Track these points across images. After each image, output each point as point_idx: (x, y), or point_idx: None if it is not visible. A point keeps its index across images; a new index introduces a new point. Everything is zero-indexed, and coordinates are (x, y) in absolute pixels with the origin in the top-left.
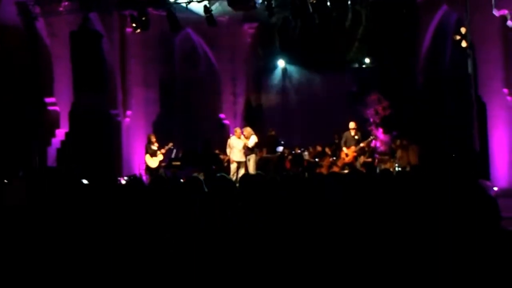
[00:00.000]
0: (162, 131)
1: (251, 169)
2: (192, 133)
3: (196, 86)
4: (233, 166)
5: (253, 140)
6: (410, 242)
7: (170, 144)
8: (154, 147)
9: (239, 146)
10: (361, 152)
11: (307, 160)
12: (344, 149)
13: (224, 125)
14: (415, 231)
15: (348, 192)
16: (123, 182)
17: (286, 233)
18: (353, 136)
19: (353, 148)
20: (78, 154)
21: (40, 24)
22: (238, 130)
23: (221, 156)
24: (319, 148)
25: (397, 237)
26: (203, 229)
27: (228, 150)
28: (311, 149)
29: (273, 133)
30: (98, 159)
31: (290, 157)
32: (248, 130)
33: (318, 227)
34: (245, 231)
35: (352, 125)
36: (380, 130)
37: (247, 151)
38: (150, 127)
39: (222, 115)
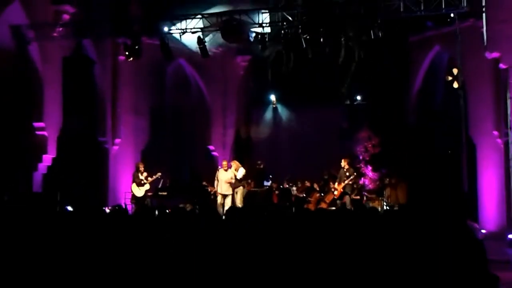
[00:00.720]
0: (151, 159)
1: (238, 201)
2: (180, 163)
3: (187, 116)
4: (219, 199)
5: (241, 172)
6: (395, 281)
7: (158, 174)
8: (142, 176)
9: (226, 178)
10: (349, 188)
11: (295, 195)
12: (336, 185)
13: (212, 157)
14: (401, 270)
15: (335, 229)
16: (108, 211)
17: (272, 268)
18: (345, 173)
19: (342, 184)
20: (64, 180)
21: (33, 48)
22: (225, 162)
23: (209, 188)
24: (307, 184)
25: (382, 275)
26: (185, 258)
27: (215, 183)
28: (299, 184)
29: (261, 166)
30: (83, 186)
31: (277, 191)
32: (236, 163)
33: (304, 263)
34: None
35: (343, 162)
36: (369, 167)
37: (235, 183)
38: (139, 155)
39: (211, 147)
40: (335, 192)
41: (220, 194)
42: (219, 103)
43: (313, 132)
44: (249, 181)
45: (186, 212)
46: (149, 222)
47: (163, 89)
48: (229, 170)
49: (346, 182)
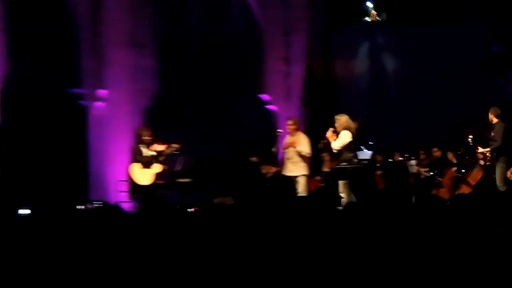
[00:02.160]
0: (162, 124)
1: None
2: (214, 128)
3: (223, 51)
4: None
5: (344, 137)
6: None
7: (176, 146)
8: (149, 151)
9: (298, 150)
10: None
11: (415, 174)
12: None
13: (269, 113)
14: None
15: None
16: (87, 211)
17: None
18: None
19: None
20: (14, 163)
21: None
22: (291, 122)
23: (263, 169)
24: (436, 153)
25: None
26: None
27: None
28: (422, 155)
29: (356, 125)
30: (46, 174)
31: (383, 168)
32: (342, 120)
33: None
34: None
35: (491, 115)
36: None
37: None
38: (141, 117)
39: (266, 96)
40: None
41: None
42: (278, 24)
43: (440, 65)
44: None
45: (226, 211)
46: (164, 229)
47: (184, 9)
48: (298, 136)
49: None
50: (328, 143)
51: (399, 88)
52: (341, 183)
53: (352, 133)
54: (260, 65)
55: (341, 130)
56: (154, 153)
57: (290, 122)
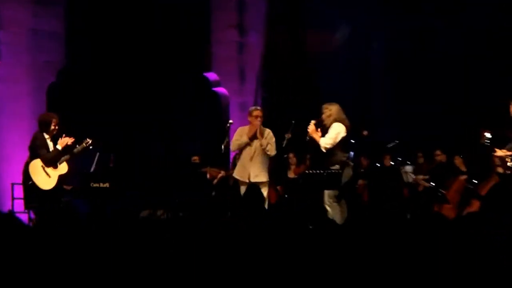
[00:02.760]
0: (72, 109)
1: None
2: (141, 116)
3: (157, 14)
4: (242, 191)
5: (337, 131)
6: None
7: (87, 141)
8: (57, 146)
9: (266, 147)
10: None
11: (411, 184)
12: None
13: (216, 98)
14: None
15: None
16: None
17: None
18: None
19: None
20: None
21: None
22: (256, 111)
23: (208, 172)
24: (439, 157)
25: None
26: None
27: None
28: (420, 159)
29: (329, 116)
30: None
31: (368, 174)
32: (333, 109)
33: None
34: None
35: None
36: None
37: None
38: (44, 98)
39: (212, 75)
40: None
41: (242, 182)
42: None
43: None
44: (290, 155)
45: (156, 226)
46: (67, 247)
47: None
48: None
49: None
50: (312, 141)
51: (390, 68)
52: (326, 192)
53: (346, 126)
54: (205, 35)
55: (331, 123)
56: (61, 149)
57: (256, 112)
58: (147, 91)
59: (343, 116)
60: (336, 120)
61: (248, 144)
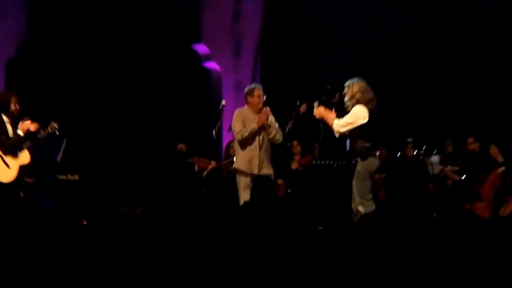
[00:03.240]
0: (35, 87)
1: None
2: (117, 96)
3: None
4: (243, 185)
5: (358, 114)
6: None
7: (53, 125)
8: (18, 131)
9: (275, 135)
10: None
11: (438, 177)
12: None
13: (207, 75)
14: None
15: None
16: None
17: None
18: None
19: None
20: None
21: None
22: (257, 90)
23: (197, 163)
24: (472, 146)
25: None
26: None
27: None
28: (449, 147)
29: (335, 97)
30: None
31: (381, 172)
32: (356, 88)
33: None
34: None
35: None
36: None
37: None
38: (1, 74)
39: (202, 48)
40: None
41: (247, 174)
42: None
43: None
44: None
45: (135, 225)
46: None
47: None
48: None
49: None
50: (326, 127)
51: (413, 42)
52: (356, 190)
53: (371, 109)
54: (193, 0)
55: (353, 106)
56: (22, 134)
57: (257, 91)
58: (128, 68)
59: (370, 95)
60: (359, 102)
61: (256, 132)
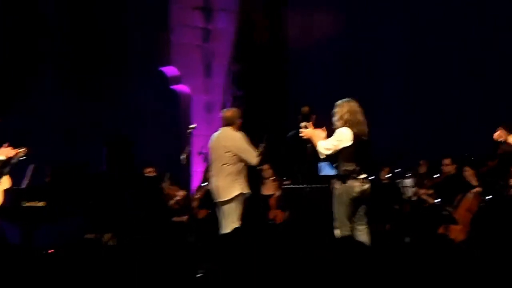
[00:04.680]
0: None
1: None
2: (83, 118)
3: None
4: (240, 211)
5: (342, 136)
6: None
7: (21, 150)
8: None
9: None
10: None
11: (412, 200)
12: None
13: (176, 97)
14: None
15: None
16: None
17: None
18: None
19: None
20: None
21: None
22: (230, 113)
23: (166, 190)
24: (448, 168)
25: None
26: None
27: (255, 158)
28: (422, 168)
29: (307, 112)
30: None
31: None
32: (345, 108)
33: None
34: None
35: None
36: None
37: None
38: None
39: (170, 70)
40: None
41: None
42: None
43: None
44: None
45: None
46: None
47: None
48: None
49: None
50: (312, 148)
51: (390, 61)
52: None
53: (357, 133)
54: (162, 19)
55: (340, 126)
56: (3, 158)
57: (228, 113)
58: (93, 88)
59: (359, 118)
60: (346, 123)
61: None
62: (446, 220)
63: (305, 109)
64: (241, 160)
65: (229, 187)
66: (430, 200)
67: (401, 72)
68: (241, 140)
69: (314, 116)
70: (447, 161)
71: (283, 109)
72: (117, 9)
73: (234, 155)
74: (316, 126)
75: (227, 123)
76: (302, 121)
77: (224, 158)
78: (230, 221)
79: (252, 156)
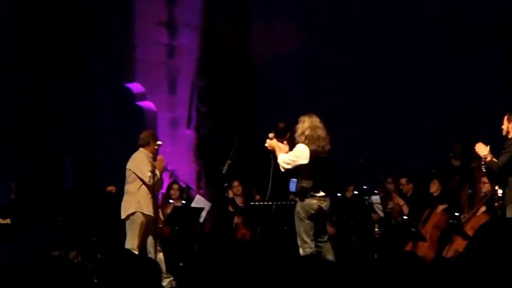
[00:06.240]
0: None
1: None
2: (47, 136)
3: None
4: (126, 230)
5: (300, 153)
6: None
7: None
8: None
9: None
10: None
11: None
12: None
13: (140, 114)
14: None
15: None
16: None
17: None
18: None
19: None
20: None
21: None
22: (143, 134)
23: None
24: (405, 187)
25: None
26: None
27: (147, 177)
28: (389, 185)
29: (281, 127)
30: None
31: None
32: (307, 124)
33: None
34: None
35: (506, 123)
36: None
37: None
38: None
39: (135, 86)
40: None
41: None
42: None
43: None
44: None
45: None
46: None
47: None
48: None
49: None
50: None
51: (355, 72)
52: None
53: (316, 151)
54: (127, 35)
55: (301, 141)
56: None
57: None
58: (58, 109)
59: (320, 134)
60: (306, 139)
61: None
62: (414, 236)
63: (281, 125)
64: (138, 178)
65: (125, 205)
66: (405, 209)
67: (365, 84)
68: (139, 159)
69: (289, 133)
70: (403, 180)
71: (250, 124)
72: (81, 25)
73: (131, 174)
74: (290, 143)
75: (140, 144)
76: (276, 137)
77: (127, 177)
78: (128, 238)
79: (144, 175)
